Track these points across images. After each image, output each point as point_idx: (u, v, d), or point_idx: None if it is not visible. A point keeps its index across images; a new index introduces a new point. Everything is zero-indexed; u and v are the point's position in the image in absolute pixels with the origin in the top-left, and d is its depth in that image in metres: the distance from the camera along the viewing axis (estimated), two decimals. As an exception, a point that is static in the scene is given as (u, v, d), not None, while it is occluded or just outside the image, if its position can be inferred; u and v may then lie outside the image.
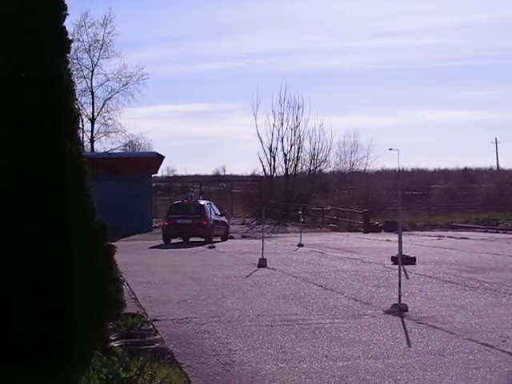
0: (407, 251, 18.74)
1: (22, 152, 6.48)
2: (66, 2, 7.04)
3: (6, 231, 6.37)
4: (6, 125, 6.53)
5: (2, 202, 6.40)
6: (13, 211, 6.41)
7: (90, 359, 6.25)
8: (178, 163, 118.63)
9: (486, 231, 36.51)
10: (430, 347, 8.27)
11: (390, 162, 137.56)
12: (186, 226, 30.16)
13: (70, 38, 7.18)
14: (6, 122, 6.53)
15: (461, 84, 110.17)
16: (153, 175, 44.21)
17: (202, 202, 32.06)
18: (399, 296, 11.01)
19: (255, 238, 32.73)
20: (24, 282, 6.34)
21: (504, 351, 8.00)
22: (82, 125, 56.45)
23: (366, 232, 37.51)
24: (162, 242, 30.35)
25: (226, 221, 34.15)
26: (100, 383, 5.90)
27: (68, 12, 7.07)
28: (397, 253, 13.69)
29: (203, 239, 29.41)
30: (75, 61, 55.26)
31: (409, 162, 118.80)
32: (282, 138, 53.06)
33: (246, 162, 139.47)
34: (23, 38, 6.64)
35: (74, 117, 7.04)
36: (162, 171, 62.27)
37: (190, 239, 30.64)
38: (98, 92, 59.97)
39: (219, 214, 33.17)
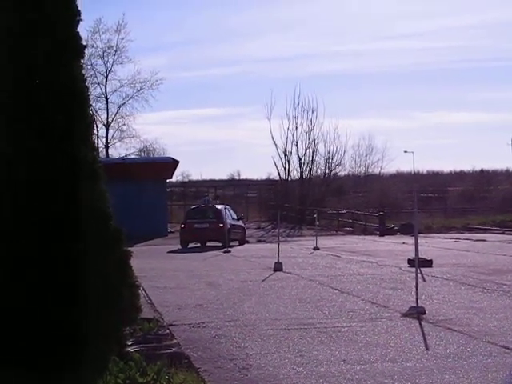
0: (424, 254, 18.65)
1: (37, 158, 6.49)
2: (79, 8, 7.06)
3: (20, 236, 6.38)
4: (20, 131, 6.55)
5: (17, 207, 6.41)
6: (27, 216, 6.42)
7: (107, 364, 6.25)
8: (192, 168, 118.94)
9: (503, 233, 36.25)
10: (448, 350, 8.21)
11: (405, 165, 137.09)
12: (204, 230, 30.40)
13: (84, 43, 7.20)
14: (20, 127, 6.54)
15: (475, 86, 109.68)
16: (167, 180, 44.27)
17: (219, 207, 32.19)
18: (416, 299, 10.94)
19: (271, 241, 32.70)
20: (40, 286, 6.35)
21: (523, 354, 7.93)
22: (97, 131, 56.71)
23: (381, 235, 37.35)
24: (177, 246, 30.44)
25: (242, 225, 34.44)
26: (117, 388, 5.88)
27: (82, 18, 7.09)
28: (413, 255, 13.61)
29: (220, 243, 29.47)
30: (89, 67, 55.47)
31: (424, 165, 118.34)
32: (297, 142, 53.08)
33: (260, 167, 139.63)
34: (37, 44, 6.65)
35: (88, 122, 7.04)
36: (176, 176, 62.31)
37: (208, 244, 30.80)
38: (113, 98, 60.11)
39: (236, 218, 33.36)
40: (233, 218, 32.40)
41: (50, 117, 6.56)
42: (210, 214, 31.17)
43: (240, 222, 33.79)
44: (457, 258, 21.35)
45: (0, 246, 6.40)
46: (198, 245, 30.92)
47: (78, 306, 6.41)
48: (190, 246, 30.73)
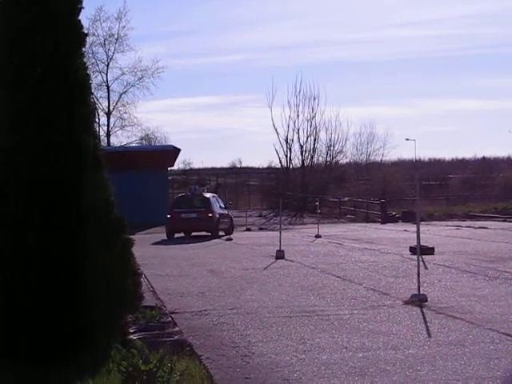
0: (425, 241, 18.66)
1: (39, 145, 6.49)
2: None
3: (23, 224, 6.39)
4: (22, 118, 6.54)
5: (20, 196, 6.41)
6: (30, 204, 6.43)
7: (110, 352, 6.26)
8: (194, 156, 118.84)
9: (504, 220, 36.27)
10: (450, 337, 8.22)
11: (406, 153, 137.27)
12: (191, 220, 28.51)
13: (86, 32, 7.18)
14: (22, 115, 6.54)
15: (477, 73, 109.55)
16: (169, 168, 44.28)
17: (207, 195, 30.49)
18: (418, 286, 10.95)
19: (272, 229, 32.71)
20: (41, 275, 6.36)
21: (525, 341, 7.94)
22: (98, 119, 56.68)
23: (383, 222, 37.37)
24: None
25: (230, 214, 32.08)
26: (120, 376, 5.89)
27: (83, 6, 7.08)
28: (415, 243, 13.61)
29: (209, 234, 28.37)
30: (90, 55, 55.40)
31: (426, 152, 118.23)
32: (298, 130, 53.07)
33: (262, 155, 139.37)
34: (38, 32, 6.64)
35: (90, 110, 7.04)
36: (178, 164, 62.36)
37: (194, 234, 29.22)
38: (114, 86, 60.22)
39: (223, 206, 31.33)
40: (220, 207, 30.48)
41: (53, 105, 6.56)
42: (197, 203, 29.41)
43: (227, 211, 31.41)
44: (458, 245, 21.35)
45: (3, 232, 6.41)
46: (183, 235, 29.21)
47: (80, 293, 6.43)
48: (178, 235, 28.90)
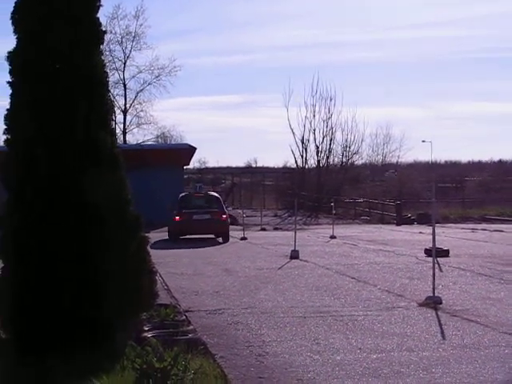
0: (440, 244, 18.57)
1: (57, 142, 6.51)
2: (99, -7, 7.07)
3: (38, 223, 6.42)
4: (41, 115, 6.57)
5: (38, 193, 6.44)
6: (47, 202, 6.45)
7: (124, 349, 6.28)
8: (209, 155, 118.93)
9: (520, 224, 36.02)
10: (465, 340, 8.18)
11: (422, 154, 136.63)
12: (203, 222, 25.14)
13: (104, 29, 7.21)
14: (41, 112, 6.57)
15: (494, 75, 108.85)
16: (185, 167, 44.31)
17: (216, 194, 28.20)
18: (433, 288, 10.91)
19: (287, 229, 32.65)
20: (60, 273, 6.39)
21: (541, 345, 7.89)
22: (115, 116, 56.67)
23: (398, 224, 37.21)
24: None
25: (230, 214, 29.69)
26: (134, 373, 5.91)
27: (101, 3, 7.10)
28: (430, 245, 13.56)
29: (219, 237, 25.64)
30: (108, 53, 55.42)
31: (442, 155, 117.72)
32: (314, 130, 52.87)
33: (277, 154, 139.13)
34: (58, 29, 6.67)
35: (107, 108, 7.07)
36: (193, 163, 62.37)
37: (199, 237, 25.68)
38: (131, 84, 60.13)
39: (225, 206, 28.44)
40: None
41: (72, 102, 6.58)
42: (207, 203, 26.22)
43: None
44: (474, 248, 21.24)
45: (24, 232, 6.45)
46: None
47: (96, 290, 6.45)
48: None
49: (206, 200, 26.64)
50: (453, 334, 8.53)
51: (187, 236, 25.46)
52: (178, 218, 25.38)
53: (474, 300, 11.14)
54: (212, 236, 25.94)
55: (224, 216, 25.78)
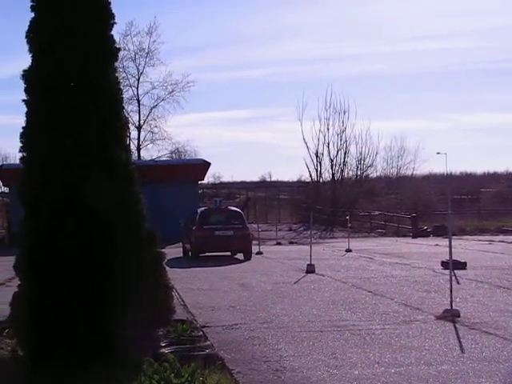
0: (457, 256, 18.46)
1: (72, 159, 6.54)
2: (113, 11, 7.12)
3: (57, 237, 6.43)
4: (56, 133, 6.60)
5: (52, 208, 6.46)
6: (62, 218, 6.47)
7: (142, 365, 6.27)
8: (223, 170, 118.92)
9: (538, 235, 35.76)
10: (484, 353, 8.11)
11: (437, 166, 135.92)
12: (226, 239, 24.03)
13: (117, 46, 7.25)
14: (56, 128, 6.60)
15: (508, 87, 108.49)
16: (199, 182, 44.41)
17: (238, 209, 27.14)
18: (451, 301, 10.83)
19: (303, 243, 32.59)
20: (75, 288, 6.40)
21: (561, 357, 7.80)
22: (129, 133, 56.93)
23: (414, 237, 37.06)
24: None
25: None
26: (152, 389, 5.90)
27: (116, 21, 7.15)
28: (447, 257, 13.49)
29: (242, 254, 24.39)
30: (121, 69, 55.70)
31: (457, 166, 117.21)
32: (328, 144, 52.89)
33: (291, 168, 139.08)
34: (73, 47, 6.71)
35: (122, 124, 7.10)
36: (208, 178, 62.48)
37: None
38: (144, 100, 60.42)
39: None
40: None
41: (86, 118, 6.62)
42: (229, 219, 24.88)
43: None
44: (491, 260, 21.10)
45: (39, 248, 6.47)
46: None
47: (112, 306, 6.45)
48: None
49: (228, 215, 25.35)
50: (472, 348, 8.45)
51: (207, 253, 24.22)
52: (198, 233, 24.15)
53: (493, 312, 11.04)
54: (228, 253, 24.89)
55: (247, 232, 24.54)
